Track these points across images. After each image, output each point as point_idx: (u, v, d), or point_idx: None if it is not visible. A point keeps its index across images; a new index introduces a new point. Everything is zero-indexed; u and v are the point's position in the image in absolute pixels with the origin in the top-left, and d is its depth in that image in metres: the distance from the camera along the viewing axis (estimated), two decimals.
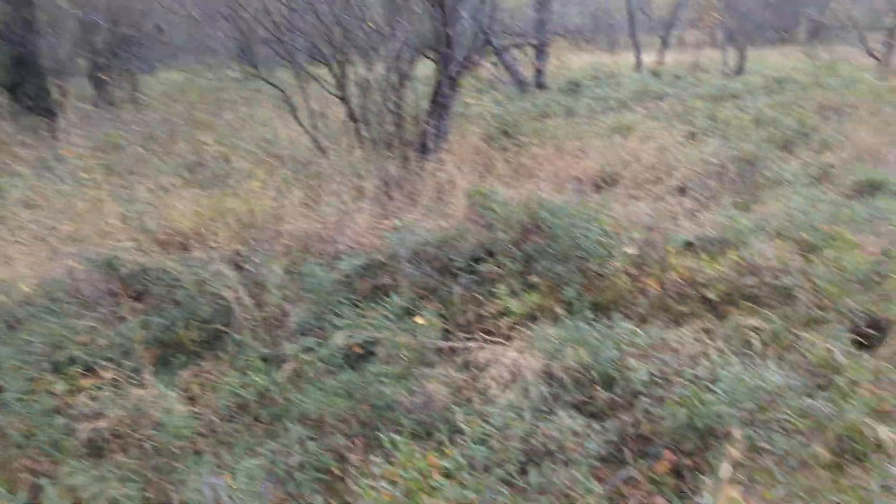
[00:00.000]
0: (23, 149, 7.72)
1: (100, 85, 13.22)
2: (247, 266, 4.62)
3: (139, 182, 6.32)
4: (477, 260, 4.95)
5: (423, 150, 7.80)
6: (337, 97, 8.12)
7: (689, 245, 5.23)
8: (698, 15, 23.95)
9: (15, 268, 4.15)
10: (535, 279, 4.54)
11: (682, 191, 6.84)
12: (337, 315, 4.24)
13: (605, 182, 7.22)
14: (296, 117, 8.26)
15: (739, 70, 20.45)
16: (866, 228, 4.90)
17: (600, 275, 4.65)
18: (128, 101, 13.48)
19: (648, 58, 23.81)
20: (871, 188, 6.13)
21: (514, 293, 4.45)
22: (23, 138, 8.29)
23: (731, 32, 25.22)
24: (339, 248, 5.50)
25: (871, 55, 20.18)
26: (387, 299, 4.36)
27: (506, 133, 9.09)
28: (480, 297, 4.42)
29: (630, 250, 4.90)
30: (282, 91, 8.20)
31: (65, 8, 11.90)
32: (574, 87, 15.55)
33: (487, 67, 18.20)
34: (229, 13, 8.02)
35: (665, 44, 22.38)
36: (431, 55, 8.67)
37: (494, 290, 4.45)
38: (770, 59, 28.84)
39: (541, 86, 15.41)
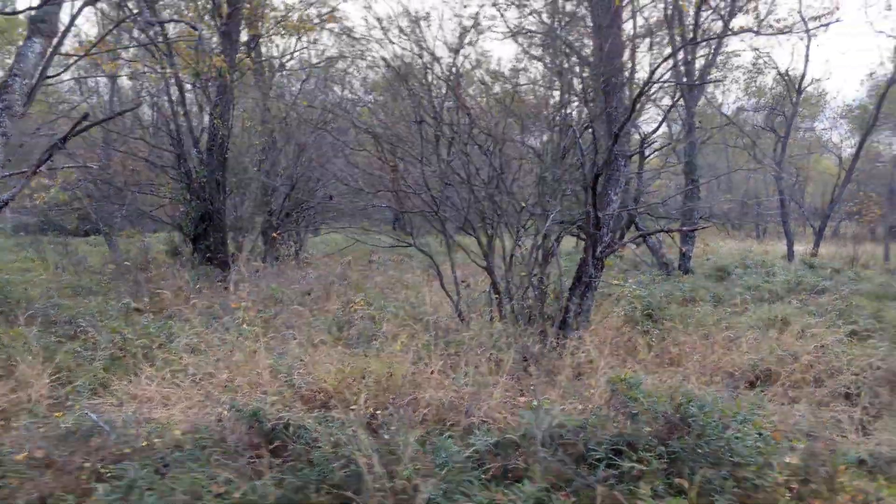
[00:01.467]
0: (197, 297, 8.43)
1: (270, 242, 14.47)
2: (382, 432, 4.62)
3: (293, 337, 6.64)
4: (617, 452, 4.68)
5: (564, 326, 7.73)
6: (482, 268, 8.36)
7: (861, 462, 4.68)
8: (858, 208, 23.07)
9: (171, 410, 4.39)
10: (682, 482, 4.19)
11: (847, 397, 6.25)
12: (466, 495, 4.08)
13: (758, 379, 6.74)
14: (441, 284, 8.53)
15: None
16: None
17: (756, 486, 4.22)
18: (293, 258, 14.60)
19: (800, 247, 22.95)
20: None
21: (657, 496, 4.11)
22: (199, 286, 9.08)
23: (893, 227, 23.96)
24: (473, 420, 5.41)
25: None
26: (518, 485, 4.16)
27: (650, 316, 8.87)
28: (621, 497, 4.11)
29: (792, 461, 4.45)
30: (430, 257, 8.56)
31: (252, 173, 13.40)
32: (722, 274, 15.14)
33: (632, 249, 18.26)
34: (391, 185, 8.68)
35: (819, 234, 21.55)
36: (578, 233, 8.83)
37: (637, 488, 4.14)
38: None
39: (686, 270, 15.14)
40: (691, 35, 13.64)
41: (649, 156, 21.54)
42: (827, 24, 19.14)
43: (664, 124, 19.80)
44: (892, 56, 24.48)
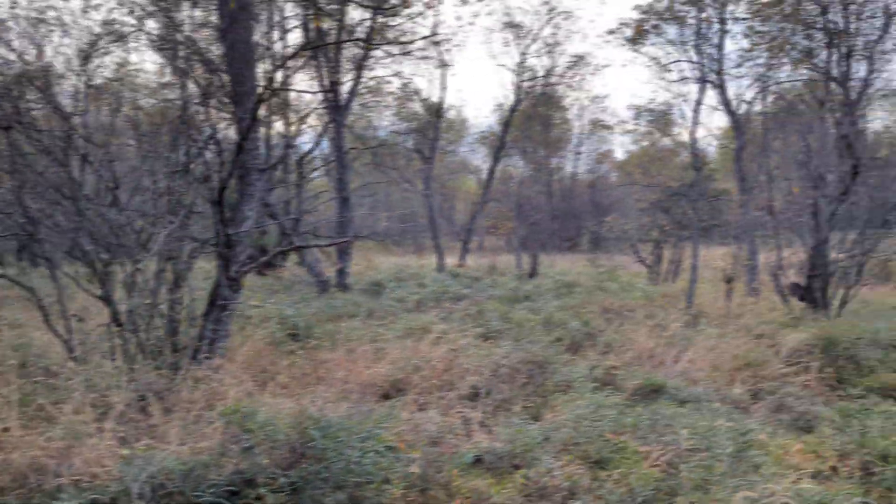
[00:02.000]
0: None
1: None
2: None
3: None
4: (233, 492, 4.14)
5: (197, 356, 6.97)
6: (99, 298, 7.21)
7: (478, 461, 4.79)
8: (494, 223, 25.87)
9: None
10: None
11: (474, 396, 6.54)
12: None
13: (395, 389, 6.76)
14: (46, 320, 7.16)
15: (532, 274, 21.86)
16: (651, 436, 4.77)
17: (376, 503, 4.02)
18: None
19: (452, 260, 25.00)
20: (652, 392, 6.22)
21: None
22: None
23: (524, 240, 27.48)
24: (63, 481, 4.43)
25: (643, 263, 22.55)
26: None
27: (294, 336, 8.52)
28: None
29: (413, 470, 4.35)
30: (28, 289, 7.14)
31: None
32: (377, 288, 15.56)
33: (288, 268, 17.95)
34: None
35: (465, 247, 23.62)
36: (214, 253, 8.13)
37: None
38: (560, 265, 31.49)
39: (343, 286, 15.25)
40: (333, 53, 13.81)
41: (307, 174, 21.56)
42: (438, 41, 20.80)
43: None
44: (513, 88, 27.94)
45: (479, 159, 41.69)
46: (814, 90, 15.20)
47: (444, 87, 24.51)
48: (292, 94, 20.96)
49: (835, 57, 15.04)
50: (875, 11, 15.25)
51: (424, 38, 17.82)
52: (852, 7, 14.95)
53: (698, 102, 17.31)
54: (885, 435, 4.50)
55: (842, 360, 7.91)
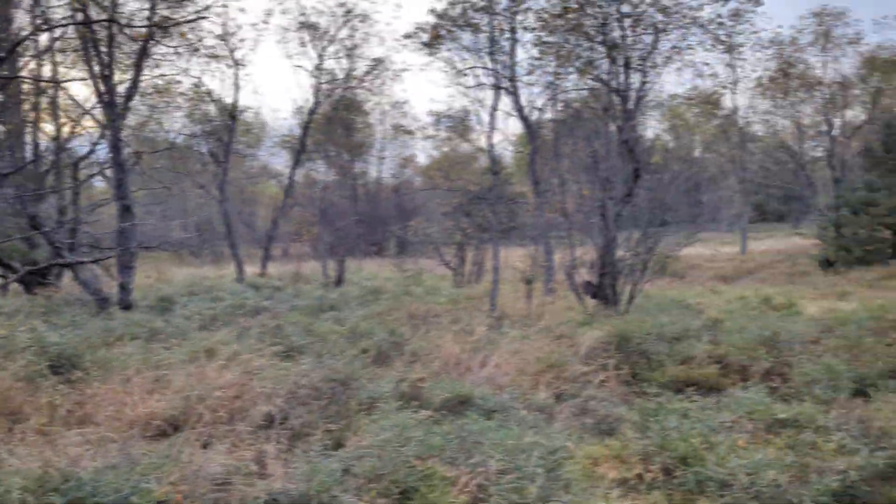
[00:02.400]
0: None
1: None
2: None
3: None
4: None
5: None
6: None
7: None
8: (297, 229, 24.93)
9: None
10: None
11: (269, 425, 5.87)
12: None
13: (175, 424, 5.90)
14: None
15: (339, 281, 21.28)
16: (460, 457, 4.46)
17: None
18: None
19: (253, 269, 23.69)
20: (459, 404, 5.97)
21: None
22: None
23: (330, 246, 26.81)
24: None
25: (447, 266, 22.84)
26: None
27: (56, 368, 7.28)
28: None
29: None
30: None
31: None
32: (166, 304, 14.14)
33: (61, 286, 15.86)
34: None
35: (266, 255, 22.47)
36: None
37: None
38: (367, 270, 31.20)
39: (126, 305, 13.66)
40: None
41: (83, 180, 19.29)
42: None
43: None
44: (312, 91, 27.18)
45: (281, 164, 40.37)
46: (598, 99, 16.15)
47: (237, 88, 23.09)
48: (63, 93, 18.70)
49: (614, 68, 16.14)
50: (647, 27, 16.58)
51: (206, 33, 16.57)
52: (627, 21, 16.12)
53: (494, 108, 17.81)
54: (684, 437, 4.55)
55: (635, 355, 8.24)
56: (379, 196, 53.71)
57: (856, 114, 40.35)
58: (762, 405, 5.26)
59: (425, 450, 4.52)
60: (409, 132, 53.13)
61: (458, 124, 37.37)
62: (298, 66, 29.91)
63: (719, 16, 17.13)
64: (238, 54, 22.83)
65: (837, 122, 36.32)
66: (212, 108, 25.00)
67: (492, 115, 17.35)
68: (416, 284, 20.59)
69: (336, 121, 50.73)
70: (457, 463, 4.33)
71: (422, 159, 62.47)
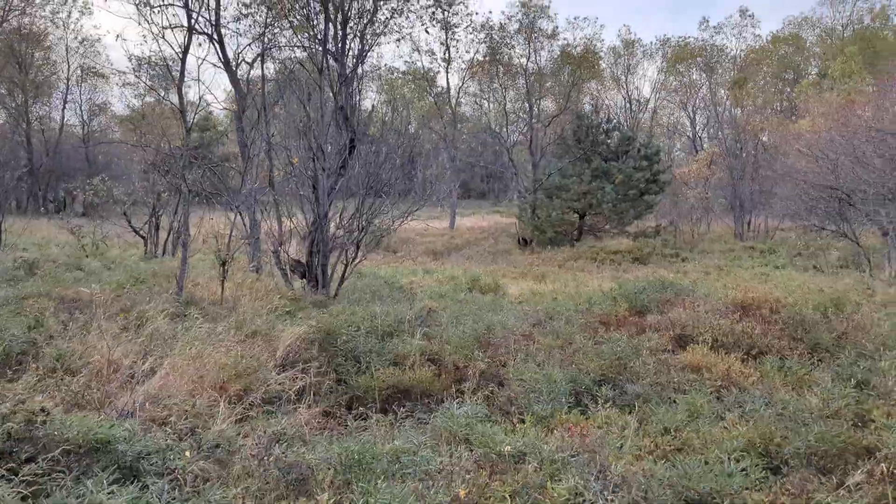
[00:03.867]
0: None
1: None
2: None
3: None
4: None
5: None
6: None
7: None
8: None
9: None
10: None
11: None
12: None
13: None
14: None
15: None
16: None
17: None
18: None
19: None
20: (93, 451, 4.24)
21: None
22: None
23: None
24: None
25: (137, 233, 19.83)
26: None
27: None
28: None
29: None
30: None
31: None
32: None
33: None
34: None
35: None
36: None
37: None
38: (40, 233, 26.34)
39: None
40: None
41: None
42: None
43: None
44: None
45: None
46: (313, 61, 14.74)
47: None
48: None
49: (332, 30, 14.84)
50: None
51: None
52: None
53: (184, 53, 15.29)
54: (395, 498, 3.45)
55: (341, 355, 7.11)
56: (63, 146, 46.34)
57: (549, 105, 44.24)
58: (485, 436, 4.40)
59: None
60: (102, 75, 46.54)
61: (163, 74, 33.25)
62: None
63: None
64: None
65: (535, 110, 39.22)
66: None
67: (183, 62, 14.79)
68: (95, 255, 17.45)
69: (6, 53, 42.49)
70: None
71: (119, 108, 55.51)
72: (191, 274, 13.68)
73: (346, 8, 14.84)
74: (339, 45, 14.68)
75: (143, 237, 19.67)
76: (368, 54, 17.45)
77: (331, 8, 14.39)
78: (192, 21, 14.86)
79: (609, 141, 27.19)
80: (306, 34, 16.01)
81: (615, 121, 30.04)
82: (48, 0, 24.50)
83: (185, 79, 13.65)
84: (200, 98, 14.52)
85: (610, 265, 20.99)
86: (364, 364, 6.96)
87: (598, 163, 26.51)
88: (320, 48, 12.98)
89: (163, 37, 13.49)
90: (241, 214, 13.64)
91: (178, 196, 17.90)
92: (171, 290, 10.68)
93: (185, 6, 14.85)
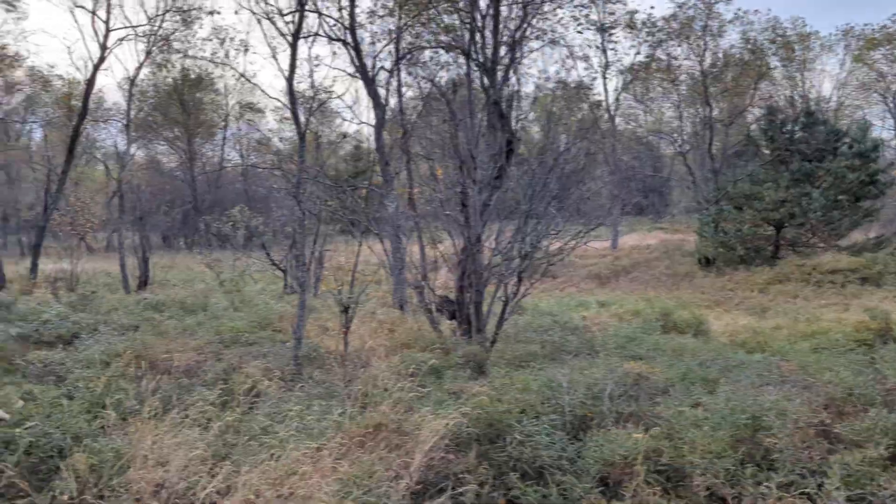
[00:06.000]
0: None
1: None
2: None
3: None
4: None
5: None
6: None
7: None
8: (73, 219, 19.51)
9: None
10: None
11: None
12: None
13: None
14: None
15: (144, 283, 16.32)
16: None
17: None
18: None
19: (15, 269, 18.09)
20: None
21: None
22: None
23: (142, 238, 21.61)
24: None
25: (277, 266, 18.32)
26: None
27: None
28: None
29: None
30: None
31: None
32: None
33: None
34: None
35: (37, 252, 17.08)
36: None
37: None
38: (197, 267, 26.00)
39: None
40: None
41: None
42: None
43: None
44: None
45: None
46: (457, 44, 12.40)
47: None
48: None
49: (478, 41, 12.56)
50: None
51: None
52: None
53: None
54: None
55: (512, 466, 4.39)
56: (222, 182, 47.68)
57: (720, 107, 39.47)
58: None
59: None
60: (259, 110, 47.43)
61: (322, 107, 32.73)
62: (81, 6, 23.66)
63: None
64: None
65: (712, 110, 34.90)
66: None
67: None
68: (231, 292, 16.06)
69: (174, 96, 44.30)
70: None
71: (279, 144, 56.89)
72: (322, 315, 11.62)
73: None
74: (489, 56, 12.32)
75: (283, 270, 18.15)
76: (518, 62, 14.92)
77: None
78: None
79: (810, 138, 22.68)
80: (445, 38, 13.83)
81: (816, 112, 25.11)
82: (209, 39, 24.45)
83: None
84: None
85: (830, 288, 16.82)
86: (553, 485, 4.17)
87: (798, 164, 22.12)
88: (467, 30, 10.52)
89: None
90: (381, 240, 11.49)
91: (317, 224, 16.16)
92: (290, 341, 8.51)
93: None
